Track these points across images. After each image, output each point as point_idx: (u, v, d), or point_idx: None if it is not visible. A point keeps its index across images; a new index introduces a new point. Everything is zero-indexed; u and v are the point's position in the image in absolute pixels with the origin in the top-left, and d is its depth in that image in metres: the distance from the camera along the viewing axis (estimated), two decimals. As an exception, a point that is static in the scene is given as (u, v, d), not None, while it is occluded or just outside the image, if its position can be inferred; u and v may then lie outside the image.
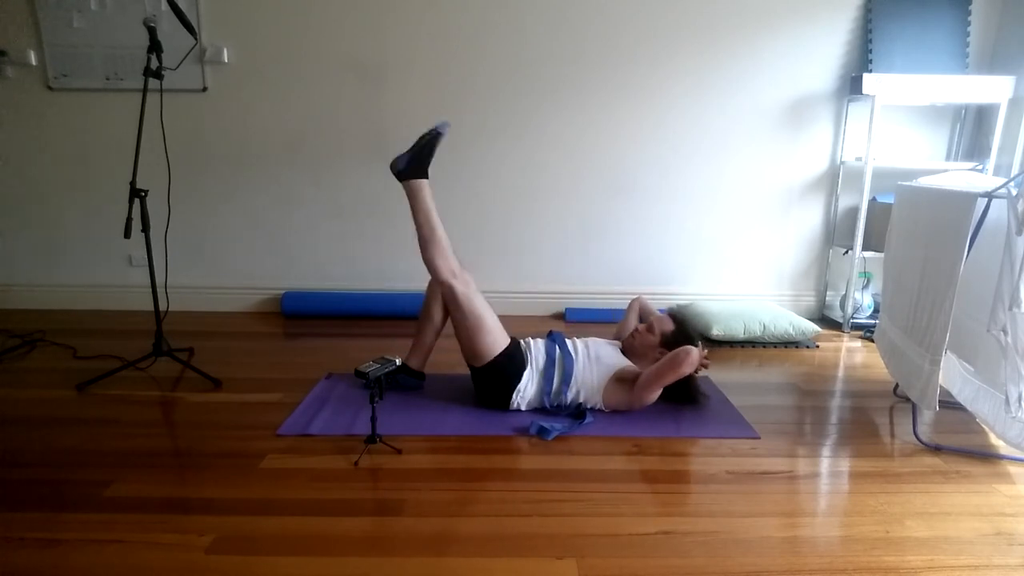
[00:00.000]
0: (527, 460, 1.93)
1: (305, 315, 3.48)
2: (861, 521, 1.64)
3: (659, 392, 2.20)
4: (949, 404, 2.26)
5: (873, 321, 3.36)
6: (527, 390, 2.23)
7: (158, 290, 2.54)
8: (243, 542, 1.51)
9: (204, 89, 3.30)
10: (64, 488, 1.73)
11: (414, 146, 2.24)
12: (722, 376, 2.69)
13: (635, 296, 2.72)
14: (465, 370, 2.33)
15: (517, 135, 3.40)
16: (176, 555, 1.45)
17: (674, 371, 2.13)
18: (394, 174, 2.26)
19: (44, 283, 3.55)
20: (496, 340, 2.21)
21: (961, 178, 2.27)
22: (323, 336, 3.17)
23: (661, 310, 2.61)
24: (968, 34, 3.24)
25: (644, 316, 2.61)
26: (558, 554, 1.48)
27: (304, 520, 1.60)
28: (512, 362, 2.22)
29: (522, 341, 2.31)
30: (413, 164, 2.23)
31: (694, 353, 2.12)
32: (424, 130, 2.25)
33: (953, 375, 2.29)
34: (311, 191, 3.46)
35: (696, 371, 2.25)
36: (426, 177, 2.24)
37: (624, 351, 2.37)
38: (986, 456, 2.02)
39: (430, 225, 2.21)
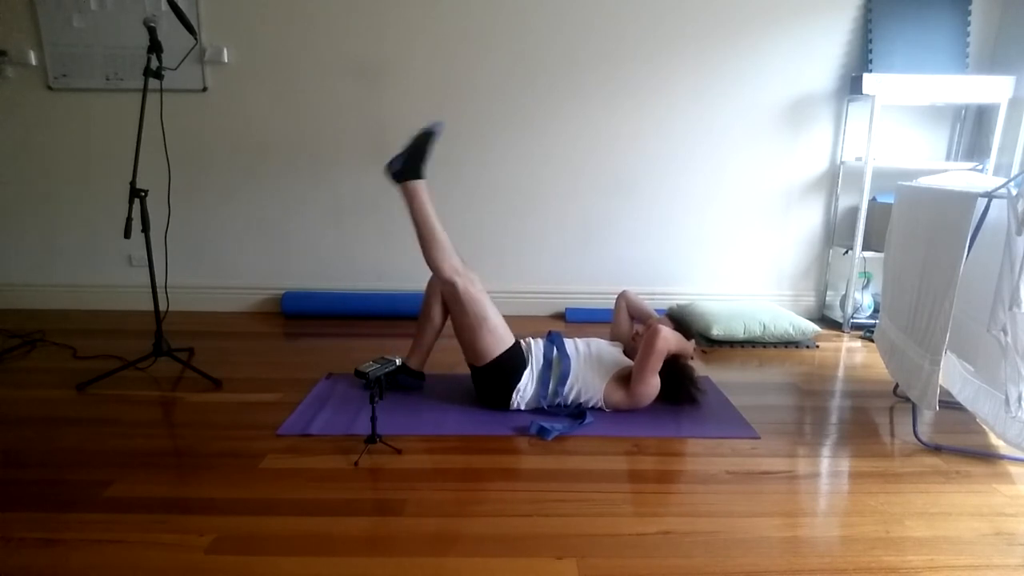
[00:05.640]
0: (527, 460, 1.93)
1: (305, 315, 3.48)
2: (861, 521, 1.64)
3: (654, 383, 2.20)
4: (949, 404, 2.26)
5: (873, 321, 3.36)
6: (526, 390, 2.23)
7: (158, 290, 2.54)
8: (243, 542, 1.51)
9: (204, 89, 3.30)
10: (64, 488, 1.73)
11: (408, 146, 2.21)
12: (722, 376, 2.69)
13: (622, 292, 2.68)
14: (465, 370, 2.33)
15: (517, 135, 3.40)
16: (176, 555, 1.45)
17: (651, 352, 2.14)
18: (390, 176, 2.23)
19: (44, 283, 3.55)
20: (499, 340, 2.20)
21: (961, 178, 2.27)
22: (323, 336, 3.17)
23: (660, 311, 2.62)
24: (968, 34, 3.24)
25: (635, 313, 2.60)
26: (558, 554, 1.48)
27: (304, 520, 1.60)
28: (513, 362, 2.21)
29: (522, 341, 2.31)
30: (409, 164, 2.20)
31: (663, 330, 2.13)
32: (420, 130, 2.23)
33: (953, 375, 2.29)
34: (311, 191, 3.46)
35: (688, 358, 2.30)
36: (422, 178, 2.22)
37: (627, 355, 2.36)
38: (986, 456, 2.02)
39: (429, 226, 2.20)
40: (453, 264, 2.18)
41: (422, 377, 2.47)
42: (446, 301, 2.34)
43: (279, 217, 3.50)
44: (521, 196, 3.49)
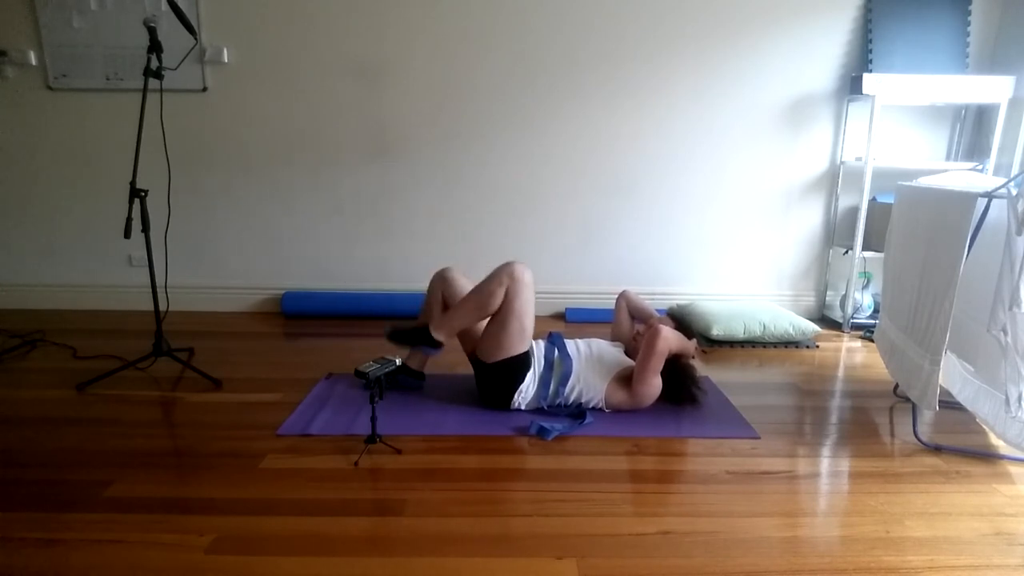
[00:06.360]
0: (527, 460, 1.93)
1: (305, 315, 3.48)
2: (861, 521, 1.64)
3: (655, 383, 2.20)
4: (949, 404, 2.26)
5: (873, 321, 3.36)
6: (528, 391, 2.23)
7: (158, 290, 2.54)
8: (243, 542, 1.51)
9: (204, 89, 3.30)
10: (64, 488, 1.73)
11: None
12: (722, 376, 2.69)
13: (622, 292, 2.69)
14: (465, 370, 2.33)
15: (517, 135, 3.40)
16: (176, 555, 1.45)
17: (652, 352, 2.14)
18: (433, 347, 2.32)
19: (44, 283, 3.55)
20: (523, 341, 2.20)
21: (961, 178, 2.27)
22: (323, 336, 3.17)
23: (660, 311, 2.62)
24: (968, 34, 3.24)
25: (636, 313, 2.61)
26: (558, 554, 1.48)
27: (304, 520, 1.60)
28: (520, 363, 2.22)
29: (523, 343, 2.31)
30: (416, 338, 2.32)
31: (664, 330, 2.13)
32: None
33: (953, 375, 2.29)
34: (311, 191, 3.46)
35: (689, 358, 2.30)
36: (432, 337, 2.29)
37: (628, 355, 2.36)
38: (986, 456, 2.02)
39: (479, 306, 2.20)
40: (499, 280, 2.16)
41: (422, 377, 2.47)
42: (507, 291, 2.20)
43: (279, 217, 3.50)
44: (521, 196, 3.49)
